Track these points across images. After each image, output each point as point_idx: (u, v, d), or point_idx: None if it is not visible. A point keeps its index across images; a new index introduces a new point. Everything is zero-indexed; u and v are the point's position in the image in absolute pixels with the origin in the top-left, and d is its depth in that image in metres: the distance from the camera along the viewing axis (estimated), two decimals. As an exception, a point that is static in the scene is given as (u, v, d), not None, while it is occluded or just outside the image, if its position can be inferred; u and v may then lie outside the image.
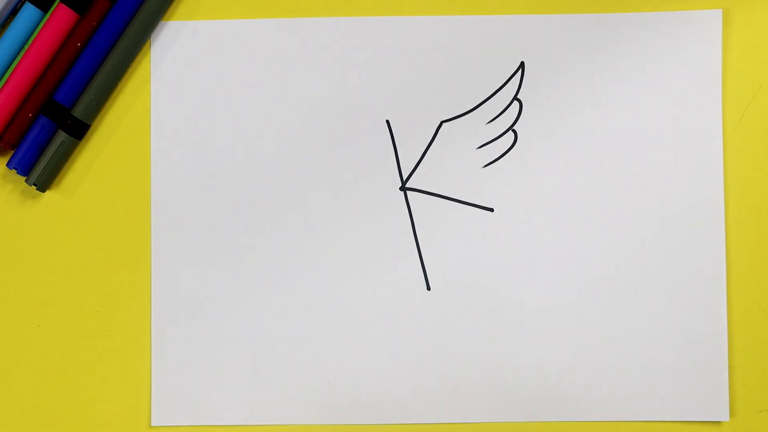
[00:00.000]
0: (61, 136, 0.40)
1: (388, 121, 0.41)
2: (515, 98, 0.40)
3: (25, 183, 0.40)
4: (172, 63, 0.41)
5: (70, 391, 0.41)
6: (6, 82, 0.39)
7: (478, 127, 0.41)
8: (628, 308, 0.40)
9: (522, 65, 0.41)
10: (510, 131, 0.41)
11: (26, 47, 0.39)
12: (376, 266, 0.41)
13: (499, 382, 0.40)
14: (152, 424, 0.40)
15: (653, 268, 0.40)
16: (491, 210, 0.41)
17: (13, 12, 0.40)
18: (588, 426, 0.40)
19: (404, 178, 0.41)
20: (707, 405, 0.40)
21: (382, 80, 0.41)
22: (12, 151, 0.40)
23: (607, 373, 0.40)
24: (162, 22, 0.41)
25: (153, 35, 0.41)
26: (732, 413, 0.40)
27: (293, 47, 0.41)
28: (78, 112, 0.40)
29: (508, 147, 0.41)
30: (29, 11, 0.39)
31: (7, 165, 0.40)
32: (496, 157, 0.41)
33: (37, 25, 0.39)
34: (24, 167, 0.40)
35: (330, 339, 0.40)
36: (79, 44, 0.39)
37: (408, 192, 0.41)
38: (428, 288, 0.41)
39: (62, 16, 0.39)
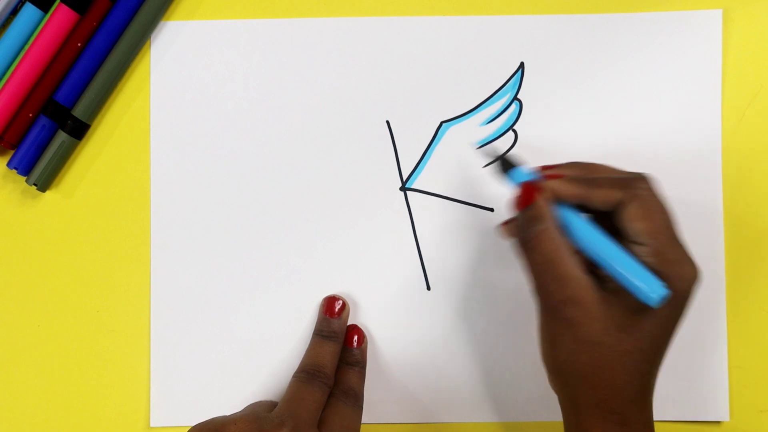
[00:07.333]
0: (62, 136, 0.40)
1: (388, 122, 0.41)
2: (515, 98, 0.40)
3: (25, 183, 0.40)
4: (171, 63, 0.41)
5: (69, 391, 0.41)
6: (6, 82, 0.39)
7: (478, 127, 0.41)
8: (628, 308, 0.40)
9: (522, 65, 0.41)
10: (510, 131, 0.41)
11: (27, 47, 0.39)
12: (376, 266, 0.40)
13: (499, 382, 0.40)
14: (151, 425, 0.40)
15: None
16: (491, 210, 0.41)
17: (14, 12, 0.40)
18: (588, 426, 0.40)
19: (404, 179, 0.41)
20: (707, 405, 0.40)
21: (382, 80, 0.41)
22: (12, 151, 0.40)
23: (607, 373, 0.40)
24: (162, 22, 0.41)
25: (153, 35, 0.41)
26: (732, 413, 0.40)
27: (293, 47, 0.41)
28: (78, 112, 0.40)
29: (508, 147, 0.41)
30: (29, 11, 0.39)
31: (7, 165, 0.40)
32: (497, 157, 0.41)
33: (37, 25, 0.39)
34: (24, 167, 0.40)
35: (330, 339, 0.40)
36: (79, 44, 0.39)
37: (408, 192, 0.41)
38: (428, 288, 0.40)
39: (62, 16, 0.39)
